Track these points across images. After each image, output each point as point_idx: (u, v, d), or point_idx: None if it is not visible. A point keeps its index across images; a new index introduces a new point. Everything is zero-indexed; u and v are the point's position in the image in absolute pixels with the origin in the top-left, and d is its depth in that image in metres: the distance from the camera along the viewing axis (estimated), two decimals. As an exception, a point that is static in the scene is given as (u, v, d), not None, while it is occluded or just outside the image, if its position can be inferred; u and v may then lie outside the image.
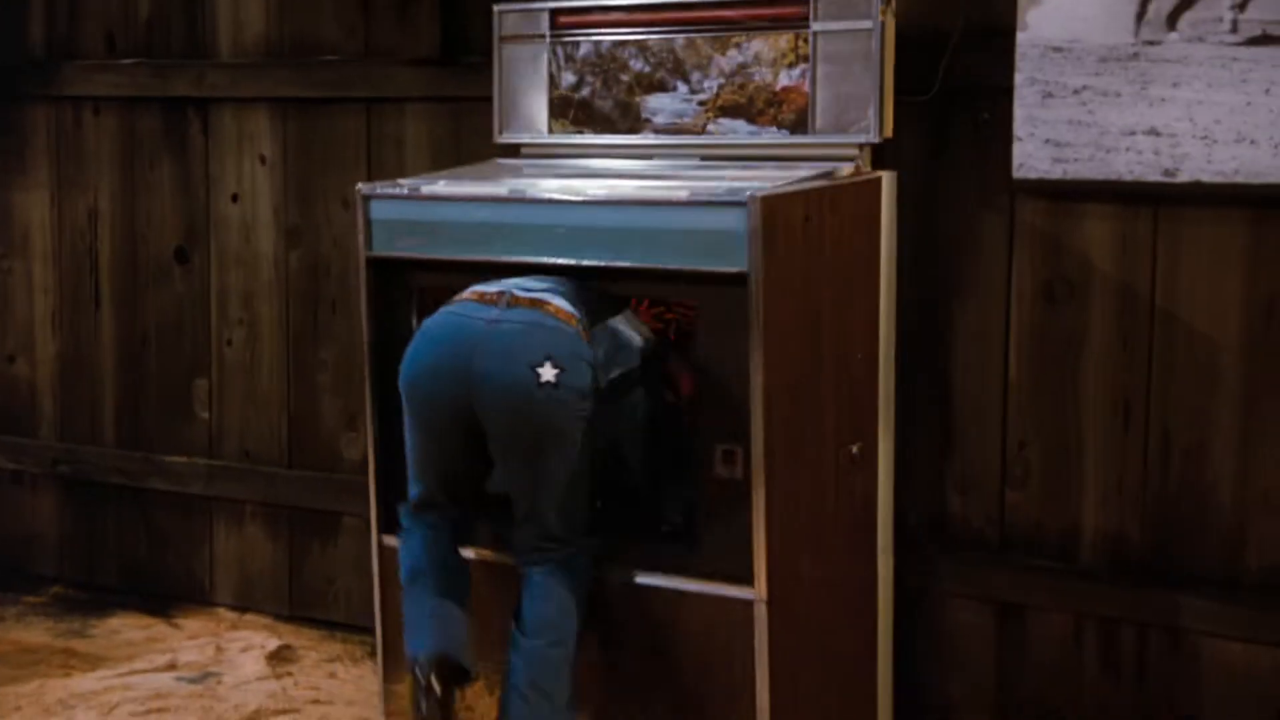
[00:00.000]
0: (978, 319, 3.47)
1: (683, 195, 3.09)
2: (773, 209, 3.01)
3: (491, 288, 3.09)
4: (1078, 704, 3.41)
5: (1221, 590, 3.25)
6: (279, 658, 4.14)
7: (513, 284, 3.12)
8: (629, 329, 3.14)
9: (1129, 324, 3.31)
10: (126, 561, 4.65)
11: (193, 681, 4.00)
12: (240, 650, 4.20)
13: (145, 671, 4.07)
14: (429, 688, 3.03)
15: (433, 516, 3.17)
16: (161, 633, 4.36)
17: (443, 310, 3.12)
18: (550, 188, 3.36)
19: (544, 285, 3.11)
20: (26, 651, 4.22)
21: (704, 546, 3.15)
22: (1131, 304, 3.31)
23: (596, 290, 3.18)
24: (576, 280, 3.16)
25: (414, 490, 3.18)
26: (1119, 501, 3.35)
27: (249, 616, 4.43)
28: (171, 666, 4.11)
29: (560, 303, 3.04)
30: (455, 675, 3.10)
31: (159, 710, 3.81)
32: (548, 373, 2.94)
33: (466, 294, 3.12)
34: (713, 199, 3.05)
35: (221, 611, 4.48)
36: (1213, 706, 3.28)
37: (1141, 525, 3.33)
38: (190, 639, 4.30)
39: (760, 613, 3.07)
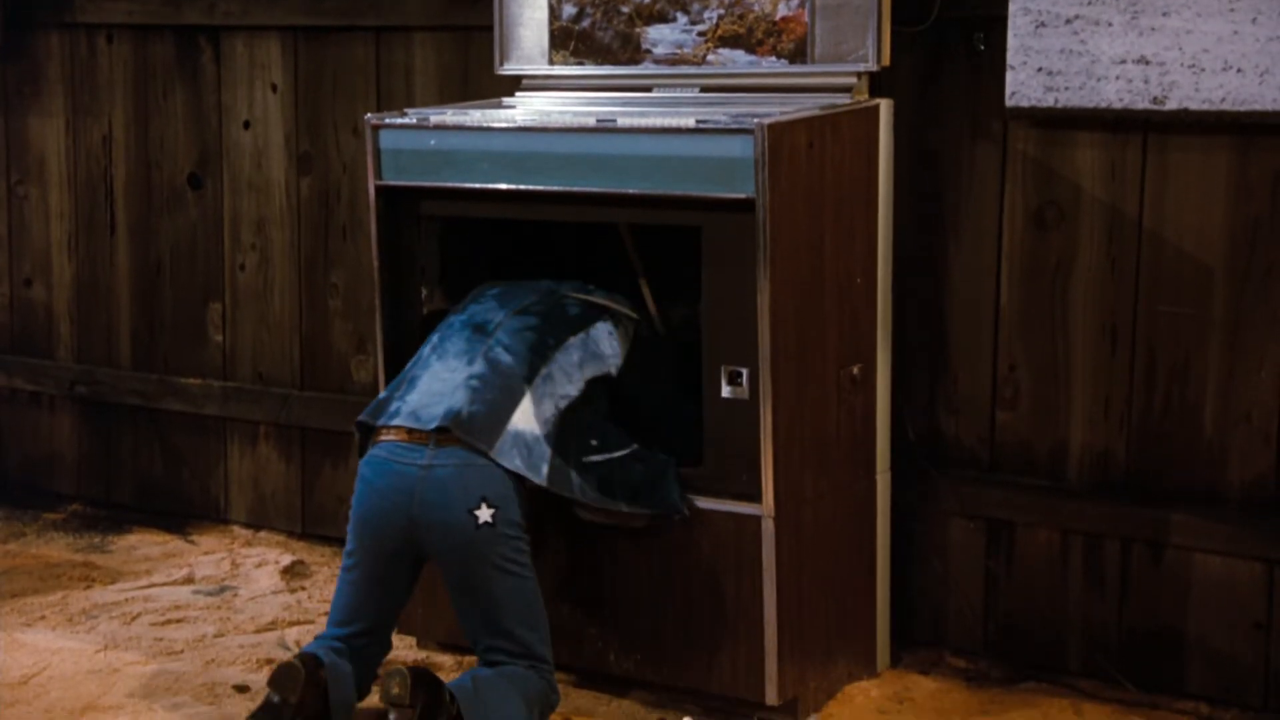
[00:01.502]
0: (970, 244, 3.56)
1: (690, 122, 3.17)
2: (778, 135, 3.09)
3: (419, 418, 3.17)
4: (1064, 616, 3.52)
5: (1204, 506, 3.36)
6: (293, 572, 4.26)
7: (474, 315, 3.33)
8: (602, 340, 3.31)
9: (1117, 249, 3.40)
10: (143, 480, 4.77)
11: (210, 594, 4.13)
12: (255, 565, 4.32)
13: (164, 584, 4.19)
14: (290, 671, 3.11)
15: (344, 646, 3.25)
16: (178, 548, 4.48)
17: (377, 453, 3.21)
18: (556, 117, 3.44)
19: (507, 325, 3.29)
20: (48, 565, 4.34)
21: (711, 465, 3.26)
22: (1120, 229, 3.40)
23: (577, 301, 3.36)
24: (551, 296, 3.37)
25: (331, 630, 3.27)
26: (1105, 421, 3.45)
27: (263, 534, 4.54)
28: (189, 580, 4.23)
29: (482, 403, 3.17)
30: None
31: (178, 620, 3.93)
32: (484, 514, 3.11)
33: (395, 427, 3.20)
34: (720, 126, 3.13)
35: (236, 529, 4.59)
36: (1193, 618, 3.39)
37: (1127, 444, 3.44)
38: (206, 554, 4.42)
39: (767, 528, 3.19)
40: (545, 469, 3.17)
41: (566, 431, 3.22)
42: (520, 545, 3.17)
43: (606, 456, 3.25)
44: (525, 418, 3.19)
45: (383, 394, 3.34)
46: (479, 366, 3.23)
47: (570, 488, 3.19)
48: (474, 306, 3.41)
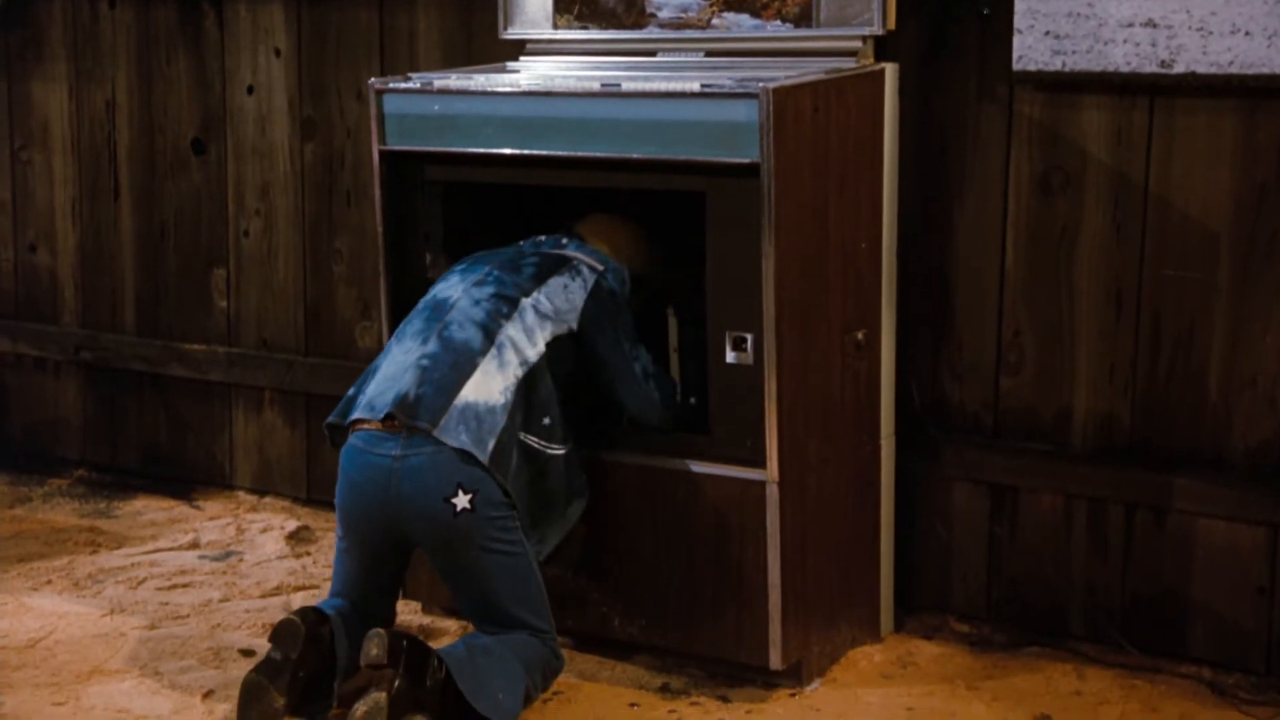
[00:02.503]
0: (976, 209, 3.55)
1: (695, 87, 3.16)
2: (783, 100, 3.08)
3: (386, 398, 3.14)
4: (1067, 581, 3.53)
5: (1208, 471, 3.36)
6: (298, 538, 4.27)
7: (436, 294, 3.30)
8: (556, 296, 3.24)
9: (1123, 213, 3.40)
10: (148, 446, 4.78)
11: (215, 559, 4.14)
12: (260, 531, 4.34)
13: (169, 550, 4.21)
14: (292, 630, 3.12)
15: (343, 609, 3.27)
16: (184, 514, 4.50)
17: (354, 442, 3.17)
18: (560, 81, 3.43)
19: (464, 299, 3.24)
20: (54, 530, 4.35)
21: (716, 430, 3.26)
22: (1126, 194, 3.39)
23: (537, 258, 3.31)
24: (512, 260, 3.32)
25: (333, 599, 3.29)
26: (1110, 386, 3.45)
27: (268, 499, 4.55)
28: (194, 545, 4.24)
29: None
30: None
31: (184, 585, 3.95)
32: (462, 500, 3.07)
33: (365, 410, 3.16)
34: (725, 90, 3.12)
35: (241, 494, 4.61)
36: (1196, 582, 3.40)
37: (1132, 409, 3.44)
38: (211, 520, 4.43)
39: (772, 493, 3.19)
40: (491, 444, 3.08)
41: (526, 400, 3.16)
42: (505, 523, 3.12)
43: (542, 446, 3.20)
44: (477, 389, 3.12)
45: (350, 391, 3.28)
46: (431, 345, 3.18)
47: (506, 471, 3.11)
48: (439, 285, 3.37)
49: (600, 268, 3.31)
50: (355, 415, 3.18)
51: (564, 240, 3.41)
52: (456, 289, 3.30)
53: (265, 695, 3.06)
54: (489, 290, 3.26)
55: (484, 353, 3.16)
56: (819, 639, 3.38)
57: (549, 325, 3.22)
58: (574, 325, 3.24)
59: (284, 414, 4.52)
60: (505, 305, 3.22)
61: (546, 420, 3.19)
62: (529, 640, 3.17)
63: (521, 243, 3.44)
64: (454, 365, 3.14)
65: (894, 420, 3.56)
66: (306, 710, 3.12)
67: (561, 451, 3.22)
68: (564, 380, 3.26)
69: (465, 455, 3.07)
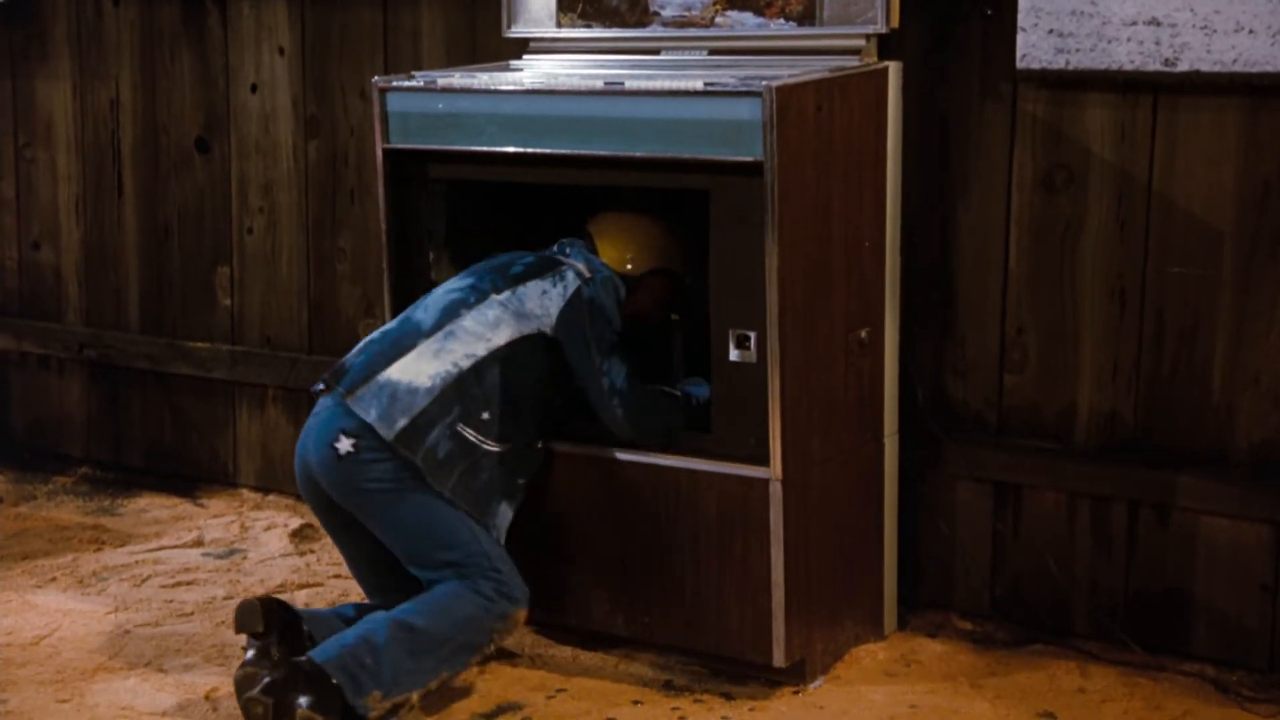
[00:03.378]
0: (979, 207, 3.55)
1: (698, 85, 3.16)
2: (787, 98, 3.08)
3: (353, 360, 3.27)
4: (1070, 579, 3.53)
5: (1211, 468, 3.36)
6: (301, 536, 4.27)
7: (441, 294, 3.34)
8: (529, 299, 3.25)
9: (1126, 211, 3.40)
10: (152, 444, 4.78)
11: (219, 557, 4.15)
12: (264, 528, 4.34)
13: (173, 547, 4.21)
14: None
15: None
16: (187, 511, 4.50)
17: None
18: (564, 79, 3.43)
19: (443, 288, 3.34)
20: (59, 528, 4.36)
21: (719, 428, 3.27)
22: (1129, 191, 3.39)
23: (530, 259, 3.33)
24: (507, 260, 3.35)
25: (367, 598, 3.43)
26: (1113, 384, 3.45)
27: (271, 497, 4.56)
28: (198, 543, 4.25)
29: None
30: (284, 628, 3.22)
31: (188, 583, 3.95)
32: (344, 445, 3.16)
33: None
34: (728, 88, 3.12)
35: (245, 492, 4.61)
36: (1200, 580, 3.40)
37: (1135, 407, 3.44)
38: (215, 518, 4.44)
39: (775, 491, 3.19)
40: (402, 423, 3.15)
41: (460, 390, 3.19)
42: (389, 466, 3.15)
43: (478, 441, 3.22)
44: (404, 369, 3.19)
45: None
46: (392, 325, 3.31)
47: (416, 451, 3.15)
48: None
49: (588, 276, 3.30)
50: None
51: (569, 247, 3.40)
52: (451, 280, 3.38)
53: (256, 679, 3.08)
54: (468, 282, 3.32)
55: (428, 336, 3.23)
56: (822, 636, 3.38)
57: (514, 324, 3.25)
58: (549, 330, 3.26)
59: (287, 412, 4.52)
60: (473, 297, 3.27)
61: (485, 415, 3.22)
62: (455, 598, 3.13)
63: (552, 248, 3.44)
64: (395, 343, 3.25)
65: (897, 418, 3.56)
66: None
67: (497, 449, 3.24)
68: (532, 382, 3.26)
69: (353, 415, 3.15)
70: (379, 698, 3.07)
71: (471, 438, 3.20)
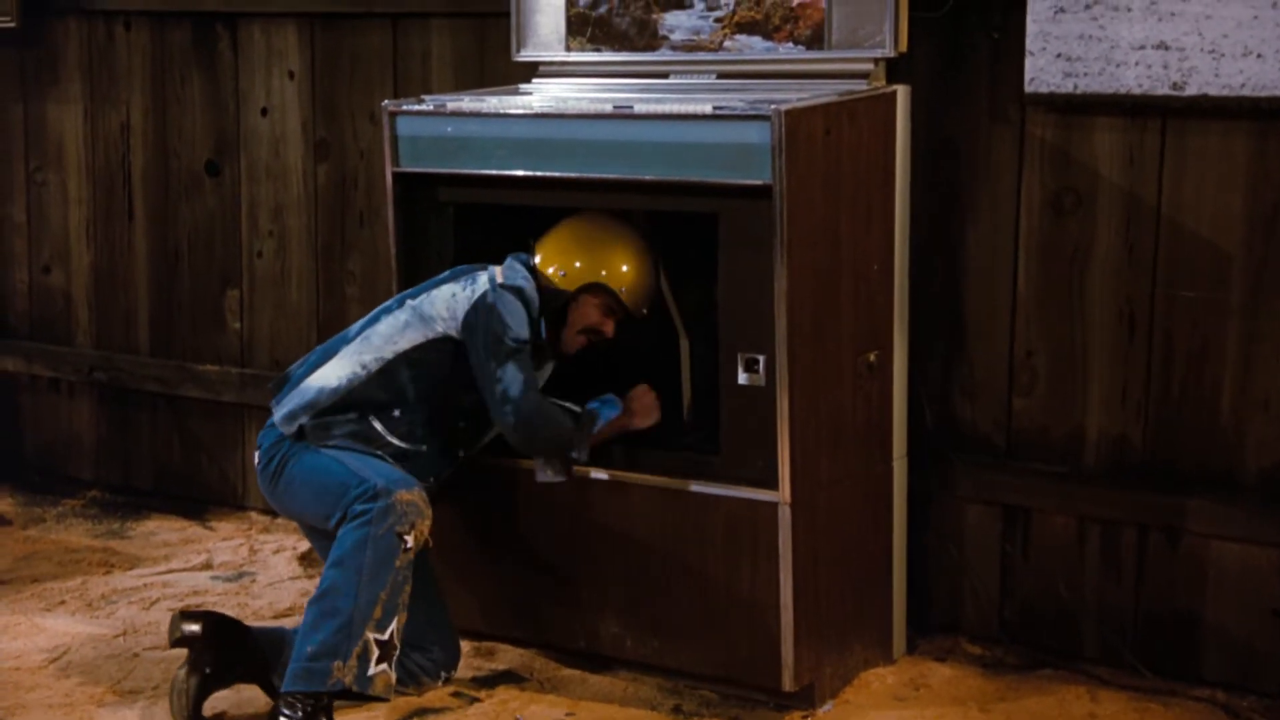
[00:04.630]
0: (988, 230, 3.55)
1: (707, 109, 3.17)
2: (795, 122, 3.09)
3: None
4: (1080, 603, 3.52)
5: (1221, 492, 3.35)
6: (310, 559, 4.27)
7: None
8: (438, 302, 3.31)
9: (1135, 234, 3.40)
10: (161, 467, 4.79)
11: (228, 580, 4.15)
12: (273, 552, 4.34)
13: (182, 570, 4.22)
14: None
15: None
16: (196, 534, 4.51)
17: None
18: (573, 103, 3.44)
19: (391, 300, 3.43)
20: (68, 551, 4.36)
21: (728, 451, 3.26)
22: (1137, 215, 3.39)
23: (470, 268, 3.36)
24: (456, 270, 3.40)
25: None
26: (1122, 407, 3.45)
27: (280, 520, 4.54)
28: (207, 566, 4.25)
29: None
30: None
31: (197, 606, 3.94)
32: (256, 456, 3.38)
33: None
34: (737, 112, 3.13)
35: (254, 515, 4.62)
36: (1210, 604, 3.39)
37: (1144, 430, 3.43)
38: (224, 541, 4.44)
39: (784, 514, 3.19)
40: (304, 420, 3.28)
41: (367, 390, 3.29)
42: (275, 444, 3.30)
43: (384, 433, 3.30)
44: (324, 374, 3.32)
45: None
46: (335, 335, 3.44)
47: (307, 430, 3.27)
48: None
49: (500, 281, 3.29)
50: None
51: (513, 258, 3.38)
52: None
53: (178, 684, 3.24)
54: (408, 291, 3.42)
55: (349, 341, 3.36)
56: (831, 660, 3.37)
57: (421, 328, 3.32)
58: (455, 334, 3.31)
59: (297, 434, 4.52)
60: (395, 304, 3.38)
61: (396, 413, 3.31)
62: (340, 542, 3.15)
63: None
64: (325, 351, 3.38)
65: (906, 440, 3.56)
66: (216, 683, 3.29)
67: (404, 446, 3.31)
68: (439, 384, 3.32)
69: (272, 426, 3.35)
70: (340, 666, 3.10)
71: (379, 429, 3.30)
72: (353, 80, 4.32)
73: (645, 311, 3.40)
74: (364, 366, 3.30)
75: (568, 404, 3.34)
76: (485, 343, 3.25)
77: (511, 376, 3.23)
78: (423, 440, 3.33)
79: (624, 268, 3.35)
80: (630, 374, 3.45)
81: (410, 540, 3.16)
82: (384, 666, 3.14)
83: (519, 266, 3.36)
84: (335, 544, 3.17)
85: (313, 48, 4.38)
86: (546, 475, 3.33)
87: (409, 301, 3.35)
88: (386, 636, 3.14)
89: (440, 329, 3.31)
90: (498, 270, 3.34)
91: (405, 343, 3.31)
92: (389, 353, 3.31)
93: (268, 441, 3.34)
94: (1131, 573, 3.47)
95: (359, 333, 3.37)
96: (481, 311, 3.27)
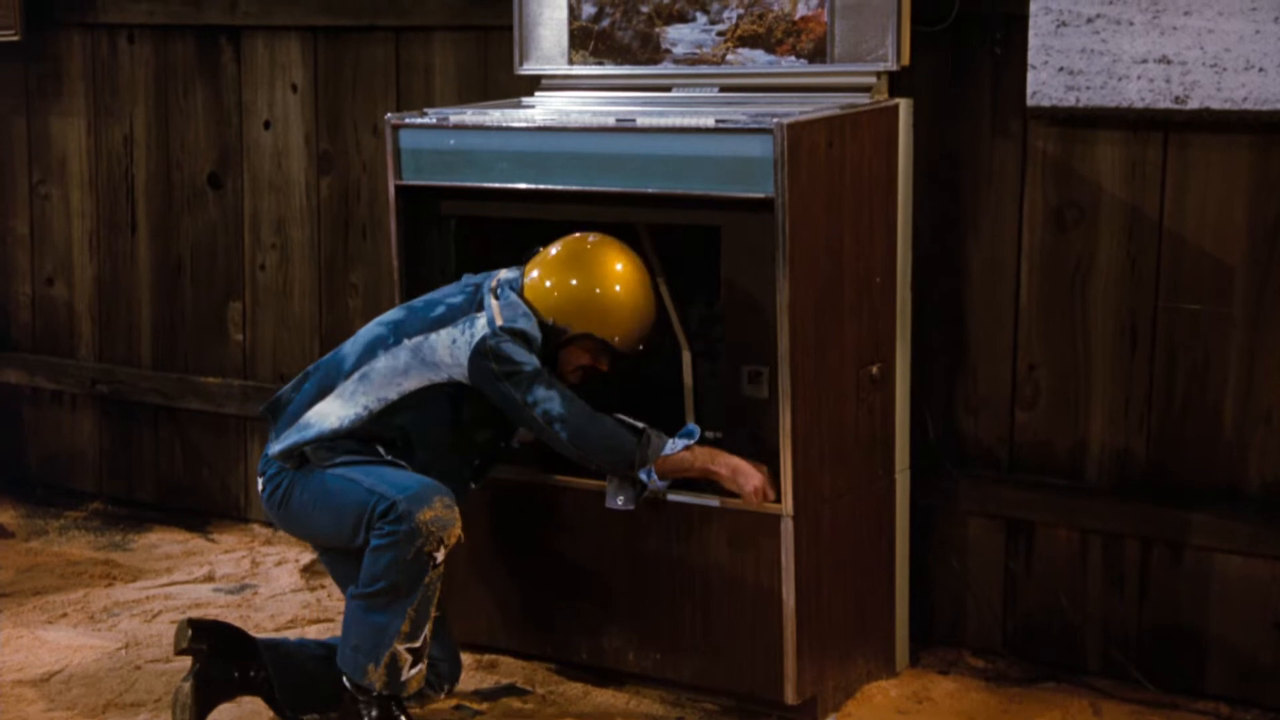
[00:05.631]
0: (990, 243, 3.56)
1: (709, 122, 3.17)
2: (797, 135, 3.09)
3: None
4: (1083, 616, 3.52)
5: (1223, 506, 3.35)
6: (312, 571, 4.27)
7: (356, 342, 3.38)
8: (439, 348, 3.23)
9: (1137, 247, 3.40)
10: (164, 479, 4.79)
11: (230, 592, 4.14)
12: (275, 564, 4.34)
13: (184, 583, 4.21)
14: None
15: None
16: (199, 547, 4.50)
17: None
18: (575, 116, 3.44)
19: (375, 322, 3.37)
20: (70, 563, 4.36)
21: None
22: (1140, 228, 3.40)
23: (466, 296, 3.29)
24: (449, 292, 3.35)
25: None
26: (1125, 421, 3.45)
27: (282, 532, 4.55)
28: (209, 578, 4.25)
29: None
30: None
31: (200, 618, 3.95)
32: (260, 484, 3.34)
33: None
34: (739, 125, 3.13)
35: (256, 528, 4.61)
36: (1213, 617, 3.39)
37: (1147, 443, 3.43)
38: (226, 553, 4.44)
39: (786, 527, 3.19)
40: (305, 452, 3.23)
41: (373, 428, 3.23)
42: (279, 472, 3.27)
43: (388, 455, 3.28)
44: (323, 413, 3.25)
45: None
46: (326, 358, 3.37)
47: (322, 464, 3.23)
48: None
49: (499, 324, 3.21)
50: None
51: (500, 287, 3.29)
52: (391, 311, 3.40)
53: (181, 696, 3.23)
54: (397, 316, 3.33)
55: (347, 377, 3.27)
56: (834, 673, 3.37)
57: (423, 373, 3.23)
58: (463, 378, 3.22)
59: (299, 447, 4.52)
60: (392, 337, 3.28)
61: (401, 446, 3.26)
62: (373, 558, 3.12)
63: (469, 276, 3.42)
64: (319, 382, 3.31)
65: (909, 454, 3.55)
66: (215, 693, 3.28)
67: (374, 457, 3.27)
68: (448, 425, 3.27)
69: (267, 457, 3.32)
70: (372, 669, 3.12)
71: (388, 458, 3.26)
72: (356, 93, 4.33)
73: (641, 348, 3.31)
74: (366, 408, 3.23)
75: (628, 419, 3.25)
76: (503, 389, 3.18)
77: (544, 396, 3.17)
78: (429, 469, 3.25)
79: (617, 317, 3.24)
80: (631, 385, 3.45)
81: (440, 555, 3.13)
82: (418, 669, 3.17)
83: (518, 303, 3.23)
84: (367, 562, 3.13)
85: (316, 60, 4.38)
86: (616, 502, 3.26)
87: (407, 342, 3.24)
88: (419, 644, 3.15)
89: (445, 375, 3.23)
90: (495, 308, 3.23)
91: (410, 384, 3.24)
92: (393, 394, 3.24)
93: (270, 470, 3.30)
94: (1134, 586, 3.47)
95: (355, 367, 3.26)
96: (487, 356, 3.18)
